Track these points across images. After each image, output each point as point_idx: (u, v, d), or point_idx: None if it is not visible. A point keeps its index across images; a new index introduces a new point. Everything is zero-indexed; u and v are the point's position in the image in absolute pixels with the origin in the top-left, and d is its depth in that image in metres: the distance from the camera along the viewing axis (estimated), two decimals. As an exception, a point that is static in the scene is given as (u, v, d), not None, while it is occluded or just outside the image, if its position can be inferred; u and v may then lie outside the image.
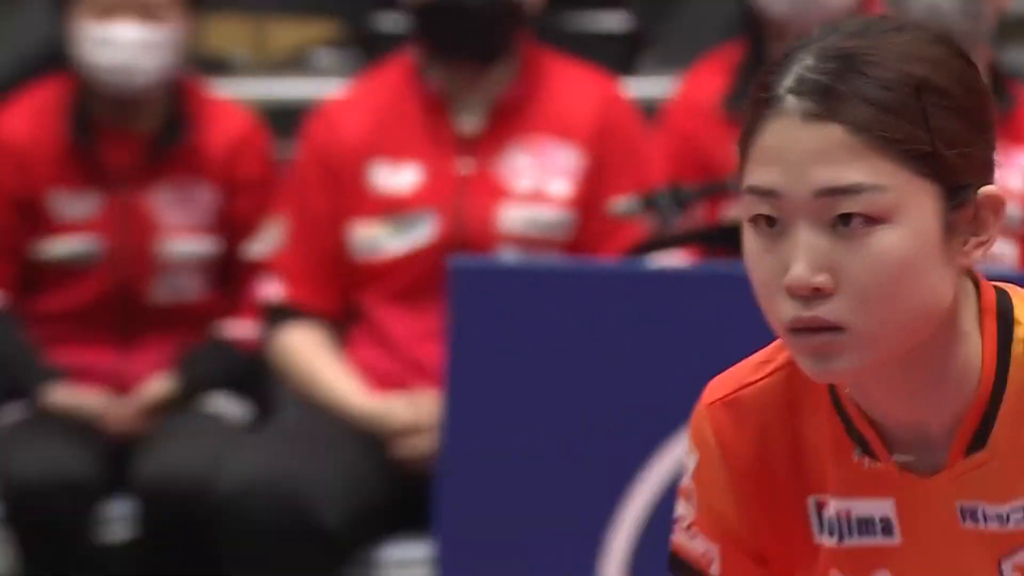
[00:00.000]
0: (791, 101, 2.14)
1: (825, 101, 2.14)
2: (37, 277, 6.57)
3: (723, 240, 5.36)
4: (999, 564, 2.39)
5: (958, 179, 2.17)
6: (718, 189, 5.59)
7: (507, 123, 6.36)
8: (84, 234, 6.55)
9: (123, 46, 6.36)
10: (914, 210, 2.17)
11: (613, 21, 10.12)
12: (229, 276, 6.55)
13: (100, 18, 6.52)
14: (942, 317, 2.17)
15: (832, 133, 2.15)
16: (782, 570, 2.46)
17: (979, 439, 2.24)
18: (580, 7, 9.40)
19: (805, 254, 2.08)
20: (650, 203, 5.44)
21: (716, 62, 6.74)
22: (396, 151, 6.23)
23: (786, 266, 2.05)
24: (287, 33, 9.55)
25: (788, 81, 2.14)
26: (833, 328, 2.05)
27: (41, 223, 6.62)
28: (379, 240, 6.03)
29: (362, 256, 6.06)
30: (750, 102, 2.16)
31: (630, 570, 5.58)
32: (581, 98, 6.66)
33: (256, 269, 6.33)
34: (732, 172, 3.14)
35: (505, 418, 5.66)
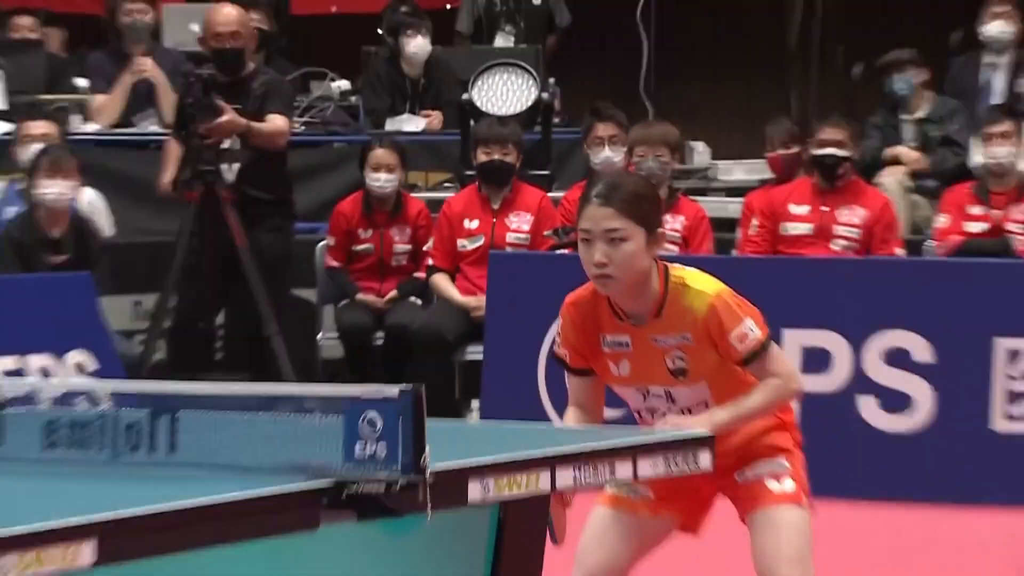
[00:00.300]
0: (595, 198, 5.75)
1: (606, 197, 5.72)
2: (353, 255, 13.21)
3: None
4: (664, 358, 5.99)
5: (651, 225, 5.69)
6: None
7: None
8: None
9: None
10: (636, 237, 5.69)
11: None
12: (418, 256, 13.14)
13: None
14: (646, 273, 5.70)
15: (608, 209, 5.70)
16: (593, 363, 6.00)
17: (658, 313, 5.87)
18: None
19: (598, 252, 5.65)
20: (557, 231, 12.06)
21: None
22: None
23: (594, 256, 5.63)
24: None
25: (595, 190, 5.80)
26: (607, 276, 5.65)
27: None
28: (466, 244, 12.77)
29: (461, 248, 12.83)
30: (581, 198, 5.83)
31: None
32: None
33: (426, 255, 12.96)
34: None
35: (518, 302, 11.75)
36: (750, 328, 5.97)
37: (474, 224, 13.08)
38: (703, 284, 6.01)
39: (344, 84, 16.34)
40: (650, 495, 6.17)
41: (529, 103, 14.59)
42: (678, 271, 6.07)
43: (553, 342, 6.62)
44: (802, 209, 12.74)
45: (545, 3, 17.04)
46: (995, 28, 14.38)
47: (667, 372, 6.04)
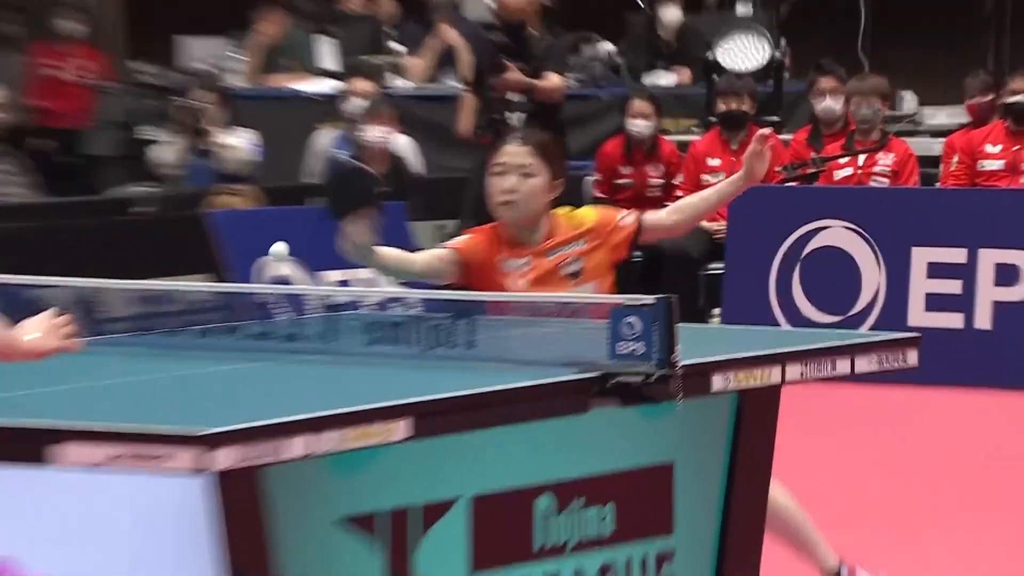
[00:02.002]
0: (514, 139, 6.15)
1: (524, 139, 6.09)
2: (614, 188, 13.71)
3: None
4: (558, 267, 6.10)
5: (556, 172, 6.01)
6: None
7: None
8: None
9: None
10: (542, 175, 5.96)
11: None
12: (669, 189, 13.84)
13: None
14: (543, 208, 6.01)
15: (524, 148, 5.99)
16: (489, 285, 5.89)
17: (551, 234, 6.01)
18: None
19: (508, 182, 5.92)
20: (787, 167, 13.38)
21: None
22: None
23: (503, 184, 5.89)
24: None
25: (516, 134, 6.43)
26: (511, 203, 5.89)
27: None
28: (709, 179, 12.67)
29: (705, 182, 12.61)
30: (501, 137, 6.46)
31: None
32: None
33: (675, 187, 13.68)
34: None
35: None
36: (625, 212, 6.49)
37: (716, 162, 13.59)
38: (586, 208, 6.68)
39: (609, 46, 16.94)
40: None
41: (764, 61, 15.17)
42: (562, 210, 6.46)
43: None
44: (996, 148, 12.98)
45: (780, -24, 17.67)
46: None
47: (561, 278, 6.18)
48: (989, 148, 13.04)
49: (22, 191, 12.07)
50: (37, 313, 4.84)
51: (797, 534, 6.21)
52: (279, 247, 10.36)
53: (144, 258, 9.80)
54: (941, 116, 15.17)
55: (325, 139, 13.65)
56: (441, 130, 14.42)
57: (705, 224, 12.60)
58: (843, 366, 5.37)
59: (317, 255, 10.48)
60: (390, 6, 16.79)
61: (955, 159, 13.01)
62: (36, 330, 4.38)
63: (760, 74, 14.73)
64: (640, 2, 16.76)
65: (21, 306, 5.27)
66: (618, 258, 6.28)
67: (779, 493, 6.03)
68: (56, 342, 4.37)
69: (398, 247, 10.53)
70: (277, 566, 4.34)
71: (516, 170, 6.04)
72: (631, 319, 4.61)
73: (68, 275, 5.73)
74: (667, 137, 14.36)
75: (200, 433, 3.78)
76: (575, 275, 6.11)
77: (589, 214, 6.27)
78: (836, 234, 11.66)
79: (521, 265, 6.14)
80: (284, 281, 10.57)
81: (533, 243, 6.12)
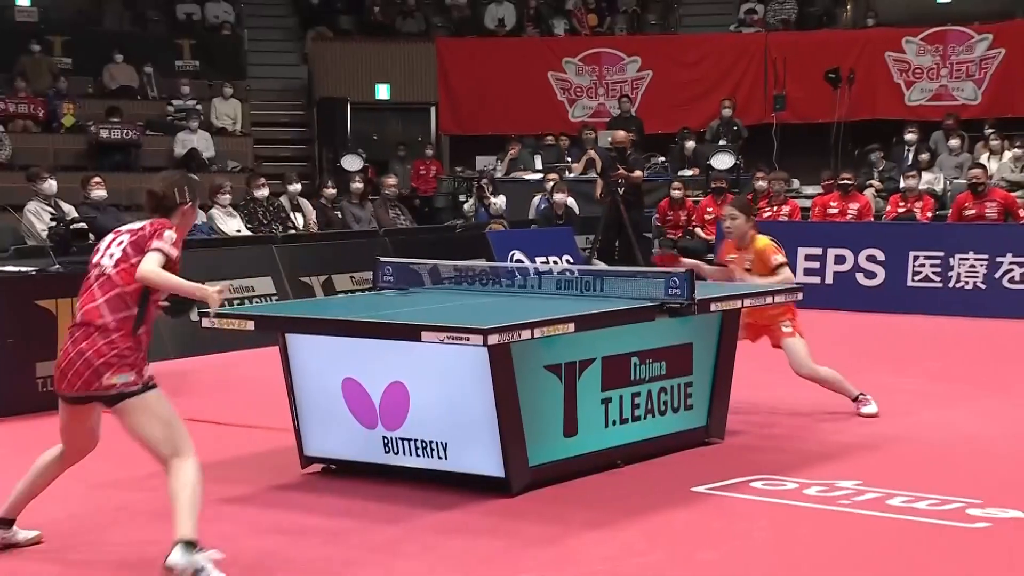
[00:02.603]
0: (728, 204, 8.56)
1: (731, 204, 8.60)
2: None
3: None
4: (743, 261, 8.35)
5: (748, 215, 8.27)
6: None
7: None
8: None
9: None
10: (740, 219, 8.29)
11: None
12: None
13: None
14: (745, 232, 8.18)
15: (730, 208, 8.42)
16: (728, 265, 8.35)
17: (746, 249, 8.38)
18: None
19: (727, 223, 8.30)
20: None
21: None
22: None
23: (726, 224, 8.18)
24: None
25: (729, 202, 9.08)
26: (730, 231, 8.24)
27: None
28: None
29: None
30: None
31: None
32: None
33: None
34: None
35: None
36: (776, 257, 8.27)
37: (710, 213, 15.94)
38: (762, 240, 8.35)
39: (662, 158, 20.23)
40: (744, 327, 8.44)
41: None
42: (759, 237, 8.42)
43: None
44: (834, 203, 15.60)
45: None
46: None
47: (744, 270, 8.44)
48: (831, 204, 15.51)
49: (407, 221, 16.54)
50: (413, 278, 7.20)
51: (833, 383, 8.57)
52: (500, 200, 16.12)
53: (458, 252, 12.44)
54: (810, 189, 17.80)
55: (536, 199, 17.56)
56: (587, 195, 17.50)
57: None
58: (767, 300, 7.86)
59: (539, 249, 14.59)
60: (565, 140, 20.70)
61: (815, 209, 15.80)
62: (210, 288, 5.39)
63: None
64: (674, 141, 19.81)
65: (407, 275, 7.74)
66: (765, 270, 8.40)
67: (823, 368, 8.47)
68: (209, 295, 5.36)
69: (570, 246, 13.87)
70: (515, 390, 6.40)
71: (728, 217, 8.49)
72: (675, 279, 6.98)
73: (428, 259, 8.10)
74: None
75: (483, 326, 5.98)
76: (748, 271, 8.46)
77: (763, 242, 8.44)
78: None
79: (735, 258, 8.55)
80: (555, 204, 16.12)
81: (743, 248, 8.47)
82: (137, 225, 5.36)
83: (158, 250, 5.16)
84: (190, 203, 5.42)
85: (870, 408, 8.43)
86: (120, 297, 5.22)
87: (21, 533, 5.63)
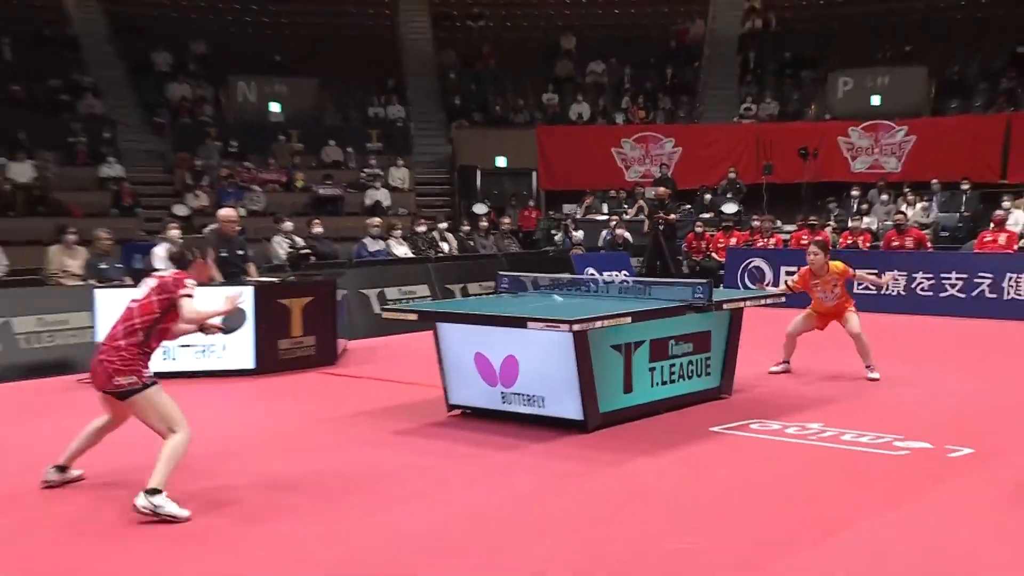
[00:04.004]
0: (811, 247, 7.82)
1: (815, 244, 7.90)
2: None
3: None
4: (832, 285, 7.97)
5: (826, 253, 7.74)
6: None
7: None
8: None
9: None
10: (821, 255, 7.77)
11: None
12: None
13: None
14: (824, 263, 7.67)
15: (813, 246, 7.86)
16: (806, 289, 7.61)
17: (827, 271, 7.79)
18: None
19: (810, 258, 7.67)
20: None
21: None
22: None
23: (810, 258, 9.43)
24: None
25: (811, 247, 7.84)
26: (812, 262, 9.66)
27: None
28: None
29: None
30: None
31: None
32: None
33: None
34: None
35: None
36: (850, 269, 7.99)
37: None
38: (836, 263, 8.01)
39: (688, 206, 19.00)
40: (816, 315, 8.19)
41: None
42: (832, 262, 8.10)
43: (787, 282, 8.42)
44: (805, 238, 14.47)
45: None
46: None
47: (831, 290, 8.07)
48: (803, 237, 14.43)
49: (516, 247, 16.15)
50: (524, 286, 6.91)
51: (864, 348, 8.20)
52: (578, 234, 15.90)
53: (552, 268, 12.07)
54: (788, 227, 16.64)
55: (604, 233, 16.72)
56: (638, 231, 16.64)
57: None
58: (757, 302, 7.51)
59: (605, 266, 13.94)
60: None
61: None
62: (226, 293, 5.08)
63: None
64: (697, 194, 18.88)
65: (518, 284, 7.45)
66: (846, 276, 8.10)
67: (865, 335, 8.11)
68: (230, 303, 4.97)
69: (625, 264, 12.55)
70: (590, 361, 6.24)
71: (811, 253, 8.11)
72: (700, 287, 6.82)
73: (532, 272, 7.87)
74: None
75: (569, 318, 5.88)
76: (834, 291, 8.13)
77: (838, 266, 8.09)
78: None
79: (819, 282, 8.17)
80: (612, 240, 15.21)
81: (822, 275, 8.14)
82: (164, 274, 5.00)
83: (187, 296, 4.79)
84: (200, 259, 5.06)
85: (874, 375, 8.08)
86: (132, 325, 4.84)
87: (72, 472, 5.27)
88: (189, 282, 4.87)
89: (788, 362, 8.34)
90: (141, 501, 4.64)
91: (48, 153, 17.70)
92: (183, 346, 8.31)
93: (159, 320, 4.83)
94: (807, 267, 8.08)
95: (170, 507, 4.61)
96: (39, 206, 16.26)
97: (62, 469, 5.16)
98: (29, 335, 8.74)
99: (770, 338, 8.75)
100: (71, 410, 6.85)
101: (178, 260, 5.02)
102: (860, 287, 10.67)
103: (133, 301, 4.92)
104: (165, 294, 4.84)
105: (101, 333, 6.37)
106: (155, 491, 4.64)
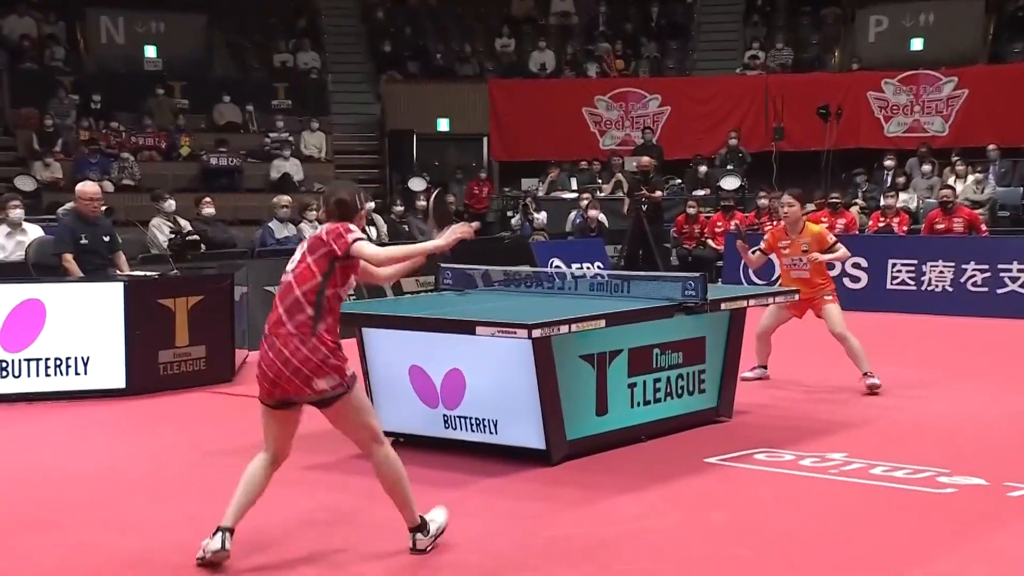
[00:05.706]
0: (787, 193, 8.51)
1: (789, 192, 8.53)
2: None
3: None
4: (800, 246, 8.32)
5: (802, 204, 8.58)
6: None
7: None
8: None
9: None
10: (796, 207, 8.36)
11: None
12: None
13: None
14: (800, 219, 8.30)
15: (788, 197, 8.42)
16: (774, 252, 8.45)
17: (801, 232, 8.54)
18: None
19: (784, 209, 8.38)
20: None
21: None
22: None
23: (783, 210, 8.41)
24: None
25: (788, 191, 8.54)
26: (786, 217, 10.50)
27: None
28: None
29: None
30: None
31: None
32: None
33: None
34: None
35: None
36: (831, 236, 8.33)
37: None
38: (814, 225, 8.40)
39: (678, 180, 19.67)
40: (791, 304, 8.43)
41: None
42: (809, 223, 8.43)
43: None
44: (824, 218, 14.66)
45: None
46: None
47: (801, 252, 8.35)
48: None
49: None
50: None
51: (854, 352, 8.47)
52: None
53: (507, 259, 12.33)
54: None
55: (572, 215, 17.12)
56: (615, 211, 17.03)
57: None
58: (763, 301, 7.81)
59: (574, 257, 14.35)
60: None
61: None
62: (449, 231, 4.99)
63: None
64: (689, 165, 19.27)
65: (464, 278, 7.56)
66: (821, 247, 8.42)
67: (853, 336, 8.43)
68: (456, 235, 4.93)
69: (601, 256, 13.09)
70: (555, 376, 6.30)
71: (786, 204, 8.46)
72: (691, 282, 6.92)
73: (482, 265, 7.95)
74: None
75: (528, 322, 5.89)
76: (806, 252, 8.40)
77: (815, 230, 8.45)
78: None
79: (789, 243, 8.45)
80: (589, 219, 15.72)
81: (794, 234, 8.42)
82: (314, 232, 4.92)
83: (358, 240, 4.71)
84: (363, 209, 4.98)
85: (874, 381, 8.25)
86: (295, 300, 4.74)
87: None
88: (352, 227, 4.76)
89: (765, 367, 8.60)
90: (421, 544, 4.90)
91: None
92: (28, 360, 8.26)
93: (324, 284, 4.69)
94: (779, 224, 8.39)
95: (438, 521, 4.96)
96: None
97: (230, 533, 4.77)
98: None
99: (779, 343, 8.86)
100: None
101: (343, 208, 4.83)
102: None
103: (287, 274, 4.79)
104: (322, 249, 4.70)
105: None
106: (422, 526, 4.89)
